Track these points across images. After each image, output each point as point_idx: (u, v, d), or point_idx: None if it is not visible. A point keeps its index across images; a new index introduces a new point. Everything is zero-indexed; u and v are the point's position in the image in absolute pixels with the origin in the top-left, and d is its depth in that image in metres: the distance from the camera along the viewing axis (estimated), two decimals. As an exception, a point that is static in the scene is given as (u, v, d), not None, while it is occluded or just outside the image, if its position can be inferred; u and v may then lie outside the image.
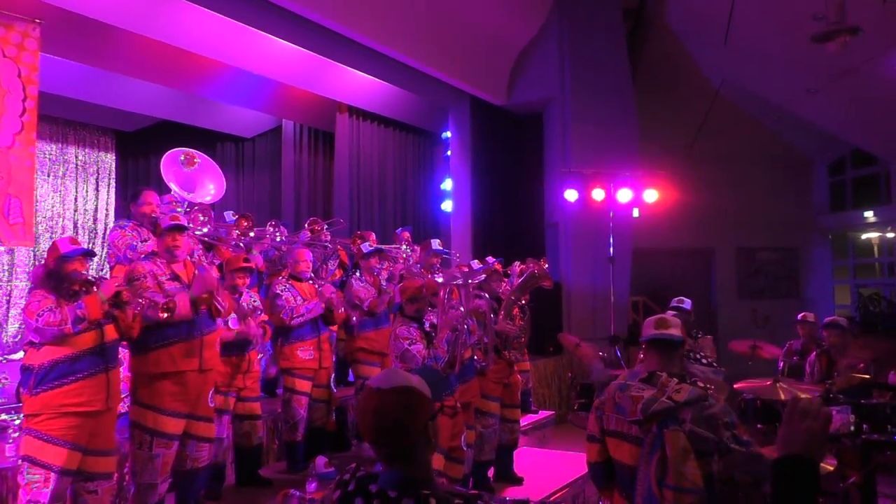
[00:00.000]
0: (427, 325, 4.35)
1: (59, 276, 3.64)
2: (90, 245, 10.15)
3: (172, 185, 5.27)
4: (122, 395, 4.21)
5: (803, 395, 3.82)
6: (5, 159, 4.73)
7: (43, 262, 3.81)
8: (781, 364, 6.12)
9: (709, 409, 2.64)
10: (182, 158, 5.31)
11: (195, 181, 5.44)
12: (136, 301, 3.74)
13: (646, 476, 2.65)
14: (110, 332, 3.73)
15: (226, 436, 4.80)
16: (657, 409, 2.64)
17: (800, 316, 6.25)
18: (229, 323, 4.76)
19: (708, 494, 2.58)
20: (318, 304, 5.29)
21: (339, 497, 1.73)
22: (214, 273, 4.36)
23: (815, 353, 5.55)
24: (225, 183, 5.70)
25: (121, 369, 3.94)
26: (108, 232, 4.91)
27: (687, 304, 5.36)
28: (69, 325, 3.48)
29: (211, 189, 5.53)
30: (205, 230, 5.01)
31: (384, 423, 1.70)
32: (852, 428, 1.70)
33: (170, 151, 5.33)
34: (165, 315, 3.83)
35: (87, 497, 3.70)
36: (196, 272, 4.21)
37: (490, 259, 5.97)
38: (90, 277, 3.75)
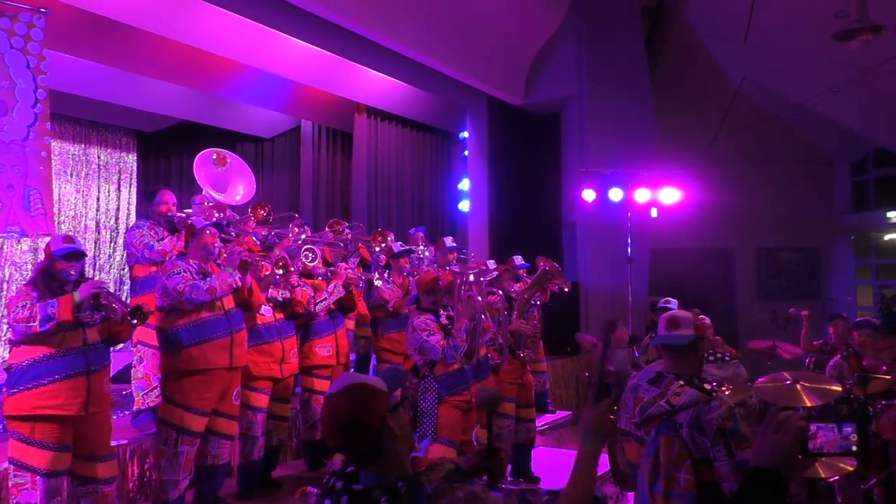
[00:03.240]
0: (444, 317, 4.35)
1: (49, 273, 3.61)
2: (111, 245, 10.30)
3: (205, 186, 5.33)
4: (113, 400, 4.20)
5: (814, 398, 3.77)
6: (21, 151, 4.73)
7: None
8: (808, 360, 6.07)
9: (707, 414, 2.54)
10: (214, 157, 5.36)
11: (226, 181, 5.50)
12: (112, 305, 3.66)
13: (642, 478, 2.63)
14: (93, 334, 3.65)
15: (261, 434, 4.85)
16: (652, 414, 2.61)
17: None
18: (262, 310, 4.82)
19: (703, 502, 2.49)
20: (337, 286, 5.31)
21: (322, 493, 1.77)
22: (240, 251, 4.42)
23: (839, 355, 5.46)
24: (255, 185, 5.76)
25: (110, 371, 3.85)
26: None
27: (673, 304, 5.33)
28: (36, 324, 3.41)
29: (241, 189, 5.59)
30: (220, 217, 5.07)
31: (340, 424, 1.69)
32: (854, 448, 1.62)
33: (202, 152, 5.38)
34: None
35: (88, 498, 3.66)
36: (226, 253, 4.32)
37: (517, 260, 5.92)
38: (84, 277, 3.71)
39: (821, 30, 7.33)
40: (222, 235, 5.09)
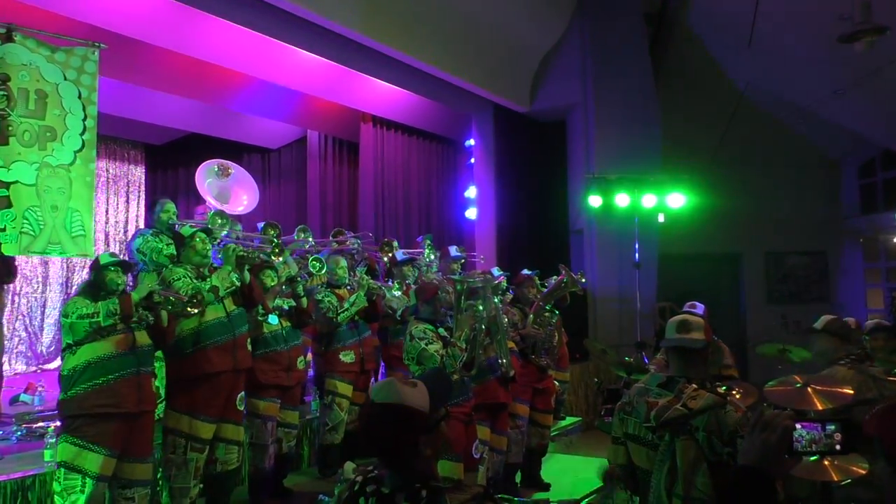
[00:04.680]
0: (442, 328, 4.34)
1: (97, 285, 3.82)
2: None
3: (208, 197, 5.37)
4: (159, 401, 4.31)
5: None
6: (67, 175, 5.03)
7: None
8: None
9: (724, 418, 2.55)
10: (217, 169, 5.42)
11: (229, 192, 5.54)
12: (168, 298, 3.86)
13: (657, 483, 2.62)
14: (143, 337, 3.86)
15: (272, 442, 4.86)
16: (670, 417, 2.60)
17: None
18: (269, 319, 4.84)
19: None
20: (359, 296, 5.40)
21: (346, 497, 1.77)
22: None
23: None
24: (258, 195, 5.78)
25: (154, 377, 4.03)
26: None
27: (699, 308, 5.24)
28: (100, 318, 3.61)
29: (244, 200, 5.64)
30: (224, 231, 5.11)
31: (373, 437, 1.73)
32: (838, 447, 1.64)
33: (205, 162, 5.43)
34: (195, 311, 3.97)
35: (128, 502, 3.77)
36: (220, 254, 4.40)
37: (525, 272, 5.97)
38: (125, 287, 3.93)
39: (825, 32, 7.34)
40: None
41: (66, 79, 5.09)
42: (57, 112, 5.01)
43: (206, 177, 5.37)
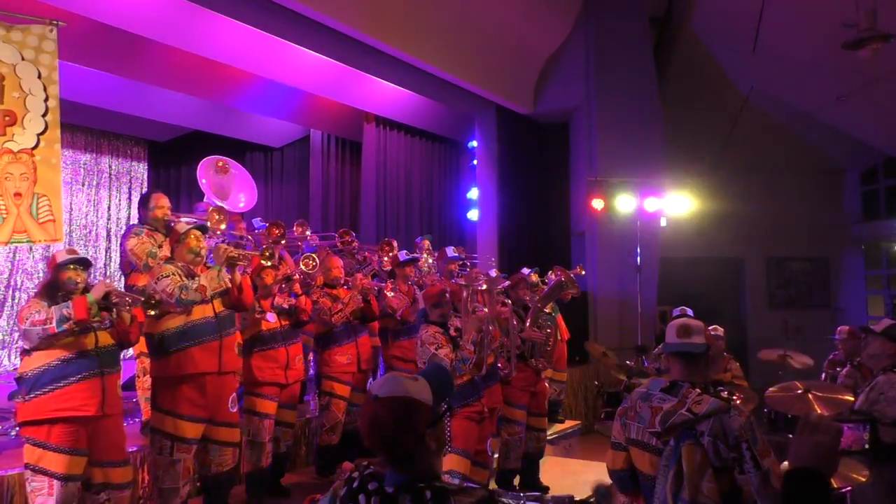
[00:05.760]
0: (451, 329, 4.36)
1: (54, 285, 3.67)
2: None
3: (207, 192, 5.36)
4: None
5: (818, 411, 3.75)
6: (31, 160, 4.81)
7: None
8: (823, 375, 6.04)
9: (729, 423, 2.56)
10: (219, 164, 5.41)
11: (228, 189, 5.54)
12: (125, 301, 3.71)
13: (662, 488, 2.62)
14: (105, 337, 3.72)
15: (269, 440, 4.85)
16: (675, 423, 2.60)
17: (838, 330, 6.15)
18: (267, 316, 4.83)
19: None
20: (353, 296, 5.38)
21: (344, 494, 1.76)
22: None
23: (850, 365, 5.43)
24: (256, 194, 5.78)
25: (121, 376, 3.87)
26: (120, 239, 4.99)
27: (689, 314, 5.31)
28: (53, 325, 3.45)
29: (242, 199, 5.65)
30: (222, 227, 5.08)
31: (378, 433, 1.73)
32: (866, 445, 1.74)
33: (207, 157, 5.42)
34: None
35: None
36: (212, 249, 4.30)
37: (525, 270, 5.97)
38: (87, 284, 3.76)
39: (830, 39, 7.34)
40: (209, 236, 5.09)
41: (23, 59, 4.80)
42: (16, 94, 4.76)
43: (207, 172, 5.37)
